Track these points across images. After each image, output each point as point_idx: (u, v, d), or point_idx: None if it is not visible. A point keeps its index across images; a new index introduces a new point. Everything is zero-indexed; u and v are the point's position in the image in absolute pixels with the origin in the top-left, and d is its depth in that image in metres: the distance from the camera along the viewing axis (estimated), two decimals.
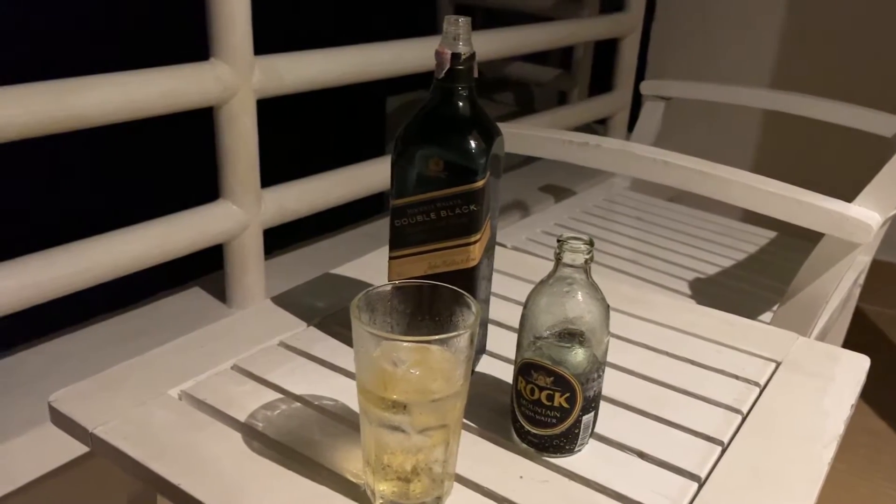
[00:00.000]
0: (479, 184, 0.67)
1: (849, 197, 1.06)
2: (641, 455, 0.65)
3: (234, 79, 1.26)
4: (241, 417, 0.67)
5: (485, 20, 2.58)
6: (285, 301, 0.87)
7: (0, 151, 1.10)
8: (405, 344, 0.57)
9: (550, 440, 0.63)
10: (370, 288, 0.59)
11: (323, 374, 0.75)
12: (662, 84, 1.84)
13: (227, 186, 1.34)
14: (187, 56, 1.25)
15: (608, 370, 0.73)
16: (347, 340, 0.80)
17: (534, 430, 0.64)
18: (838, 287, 1.17)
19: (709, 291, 1.36)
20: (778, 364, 0.80)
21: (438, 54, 0.67)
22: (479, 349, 0.78)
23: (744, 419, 0.71)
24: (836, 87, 1.91)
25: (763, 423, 0.70)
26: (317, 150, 2.52)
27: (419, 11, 2.86)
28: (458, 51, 0.66)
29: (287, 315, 0.85)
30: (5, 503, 1.09)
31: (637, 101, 2.03)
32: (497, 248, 0.77)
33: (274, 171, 1.44)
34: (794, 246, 1.53)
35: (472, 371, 0.71)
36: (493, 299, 0.80)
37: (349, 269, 0.95)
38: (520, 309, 0.64)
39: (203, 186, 1.39)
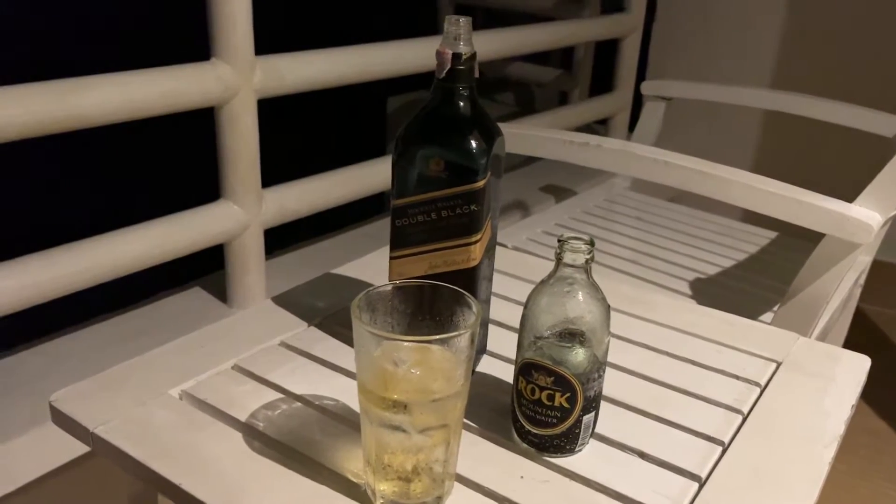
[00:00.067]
0: (480, 184, 0.67)
1: (849, 197, 1.06)
2: (642, 455, 0.65)
3: (235, 79, 1.26)
4: (242, 417, 0.67)
5: (486, 20, 2.57)
6: (286, 301, 0.87)
7: (0, 151, 1.10)
8: (406, 344, 0.57)
9: (551, 440, 0.63)
10: (371, 288, 0.59)
11: (323, 373, 0.75)
12: (663, 84, 1.84)
13: (228, 186, 1.34)
14: (188, 56, 1.25)
15: (609, 370, 0.73)
16: (348, 340, 0.80)
17: (534, 430, 0.64)
18: (839, 287, 1.17)
19: (709, 291, 1.36)
20: (778, 364, 0.80)
21: (439, 54, 0.67)
22: (480, 349, 0.78)
23: (744, 419, 0.71)
24: (836, 88, 1.91)
25: (764, 423, 0.70)
26: (318, 150, 2.52)
27: (420, 12, 2.86)
28: (458, 51, 0.66)
29: (288, 315, 0.85)
30: (6, 503, 1.09)
31: (638, 102, 2.03)
32: (498, 248, 0.77)
33: (275, 172, 1.44)
34: (794, 246, 1.53)
35: (473, 371, 0.71)
36: (493, 299, 0.80)
37: (350, 270, 0.95)
38: (520, 309, 0.64)
39: (204, 186, 1.39)
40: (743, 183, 1.12)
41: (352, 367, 0.74)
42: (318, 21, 2.65)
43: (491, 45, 1.77)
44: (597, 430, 0.67)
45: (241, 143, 1.31)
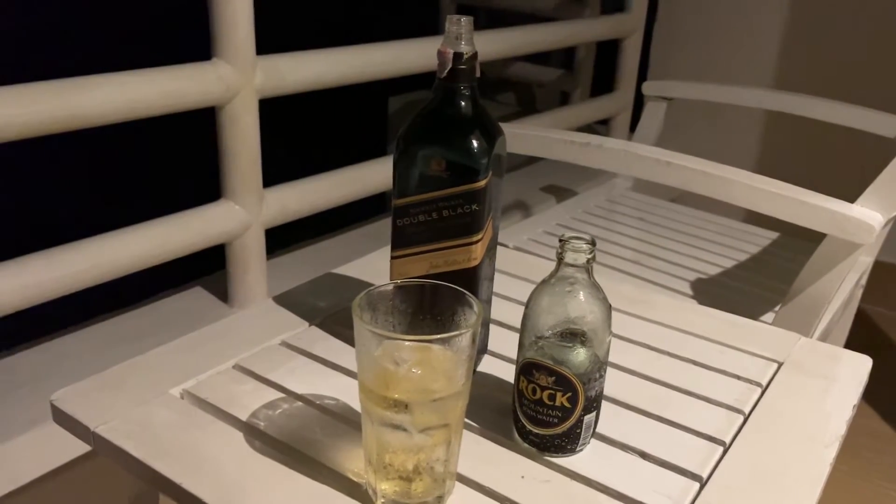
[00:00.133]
0: (481, 183, 0.67)
1: (851, 198, 1.06)
2: (643, 455, 0.65)
3: (237, 79, 1.26)
4: (243, 416, 0.67)
5: (487, 21, 2.58)
6: (287, 301, 0.87)
7: (0, 151, 1.10)
8: (407, 343, 0.57)
9: (552, 440, 0.63)
10: (372, 287, 0.59)
11: (324, 373, 0.75)
12: (664, 84, 1.84)
13: (229, 186, 1.34)
14: (189, 56, 1.25)
15: (610, 370, 0.73)
16: (349, 340, 0.80)
17: (535, 430, 0.64)
18: (840, 288, 1.17)
19: (711, 292, 1.36)
20: (780, 364, 0.80)
21: (441, 54, 0.67)
22: (481, 349, 0.78)
23: (746, 419, 0.71)
24: (838, 88, 1.91)
25: (765, 423, 0.70)
26: (319, 150, 2.52)
27: (421, 12, 2.86)
28: (460, 50, 0.66)
29: (288, 315, 0.85)
30: (8, 502, 1.09)
31: (639, 102, 2.03)
32: (499, 248, 0.77)
33: (276, 172, 1.44)
34: (795, 247, 1.53)
35: (474, 371, 0.71)
36: (494, 299, 0.80)
37: (350, 269, 0.95)
38: (521, 309, 0.64)
39: (205, 186, 1.39)
40: (744, 183, 1.12)
41: (353, 367, 0.74)
42: (320, 21, 2.65)
43: (492, 45, 1.78)
44: (598, 429, 0.66)
45: (243, 143, 1.31)
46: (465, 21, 0.66)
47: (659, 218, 1.67)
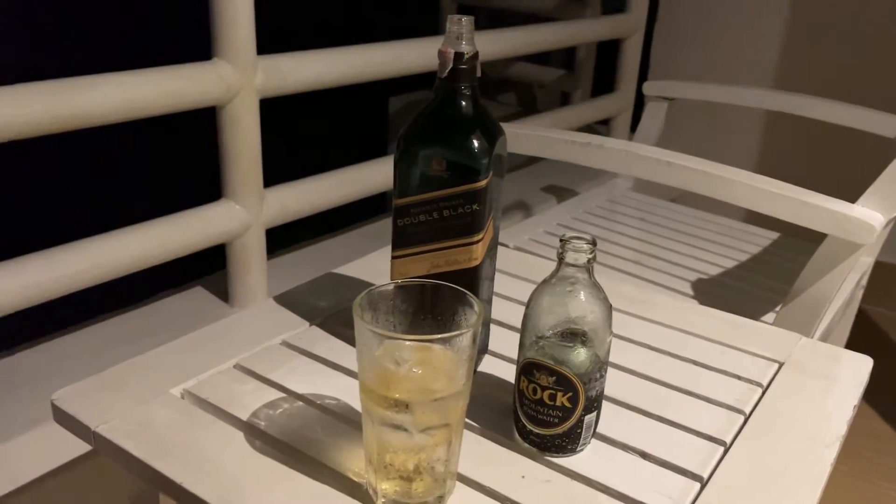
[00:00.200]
0: (482, 183, 0.67)
1: (852, 198, 1.06)
2: (644, 455, 0.65)
3: (237, 79, 1.26)
4: (244, 416, 0.67)
5: (488, 21, 2.58)
6: (287, 300, 0.87)
7: (0, 151, 1.10)
8: (408, 343, 0.57)
9: (552, 440, 0.63)
10: (373, 287, 0.59)
11: (325, 373, 0.75)
12: (665, 85, 1.84)
13: (230, 186, 1.34)
14: (190, 56, 1.25)
15: (610, 370, 0.73)
16: (349, 340, 0.80)
17: (536, 430, 0.64)
18: (841, 288, 1.17)
19: (711, 292, 1.36)
20: (780, 365, 0.80)
21: (441, 53, 0.67)
22: (482, 349, 0.78)
23: (746, 419, 0.71)
24: (839, 88, 1.91)
25: (765, 423, 0.70)
26: (319, 150, 2.52)
27: (422, 12, 2.86)
28: (461, 50, 0.66)
29: (289, 314, 0.85)
30: (8, 501, 1.09)
31: (640, 102, 2.03)
32: (499, 248, 0.77)
33: (276, 171, 1.44)
34: (796, 247, 1.53)
35: (475, 371, 0.71)
36: (495, 299, 0.80)
37: (351, 269, 0.95)
38: (522, 309, 0.64)
39: (205, 186, 1.39)
40: (745, 183, 1.12)
41: (353, 367, 0.74)
42: (320, 21, 2.65)
43: (493, 45, 1.78)
44: (598, 429, 0.66)
45: (243, 143, 1.31)
46: (466, 21, 0.66)
47: (659, 218, 1.67)
